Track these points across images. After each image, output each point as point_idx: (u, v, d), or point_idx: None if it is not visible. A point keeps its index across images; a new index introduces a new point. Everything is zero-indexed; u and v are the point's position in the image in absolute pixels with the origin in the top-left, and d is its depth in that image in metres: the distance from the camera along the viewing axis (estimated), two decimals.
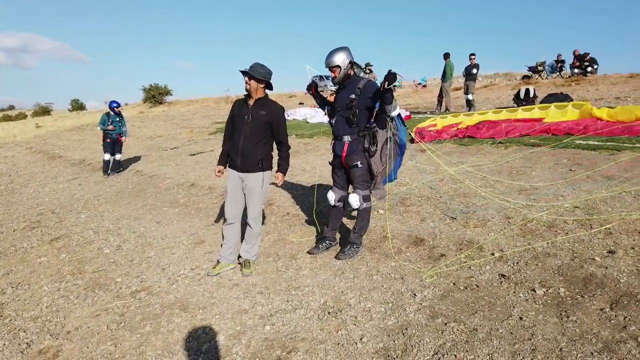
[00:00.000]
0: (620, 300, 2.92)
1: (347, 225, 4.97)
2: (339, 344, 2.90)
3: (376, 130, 4.10)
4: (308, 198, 6.45)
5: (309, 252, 4.48)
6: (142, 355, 3.05)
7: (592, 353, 2.45)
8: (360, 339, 2.91)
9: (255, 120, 3.98)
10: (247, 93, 4.03)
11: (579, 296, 3.03)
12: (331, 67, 4.01)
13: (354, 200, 4.10)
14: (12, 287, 4.50)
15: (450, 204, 5.31)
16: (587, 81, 16.78)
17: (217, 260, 4.33)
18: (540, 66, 21.06)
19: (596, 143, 7.25)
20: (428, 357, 2.64)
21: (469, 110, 13.58)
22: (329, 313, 3.30)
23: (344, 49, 4.02)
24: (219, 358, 2.92)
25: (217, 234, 5.36)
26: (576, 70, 18.54)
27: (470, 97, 14.36)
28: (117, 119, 10.60)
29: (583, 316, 2.81)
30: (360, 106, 3.97)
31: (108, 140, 10.48)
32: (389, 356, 2.70)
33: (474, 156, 7.62)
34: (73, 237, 5.97)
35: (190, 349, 3.06)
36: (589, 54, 18.52)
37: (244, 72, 3.93)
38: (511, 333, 2.75)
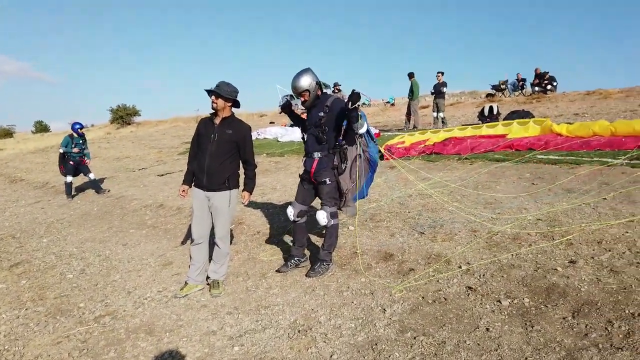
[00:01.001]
0: (582, 308, 3.00)
1: (316, 243, 4.96)
2: None
3: (346, 148, 4.14)
4: (278, 216, 6.42)
5: (277, 271, 4.44)
6: None
7: None
8: (331, 357, 2.89)
9: (221, 139, 3.97)
10: (213, 112, 4.02)
11: (542, 306, 3.11)
12: (301, 92, 4.04)
13: (322, 217, 4.11)
14: None
15: (418, 219, 5.39)
16: (547, 99, 17.47)
17: (185, 282, 4.24)
18: (503, 85, 21.84)
19: (556, 157, 7.52)
20: None
21: (443, 127, 13.85)
22: (299, 331, 3.27)
23: (308, 71, 4.06)
24: None
25: (185, 255, 5.26)
26: (537, 88, 19.29)
27: (442, 114, 14.68)
28: (81, 141, 10.33)
29: (547, 325, 2.87)
30: (328, 124, 4.02)
31: (71, 162, 10.20)
32: None
33: (441, 172, 7.77)
34: (34, 262, 5.74)
35: None
36: (548, 72, 19.32)
37: (209, 91, 3.92)
38: (478, 344, 2.78)
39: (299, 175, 4.41)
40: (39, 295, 4.60)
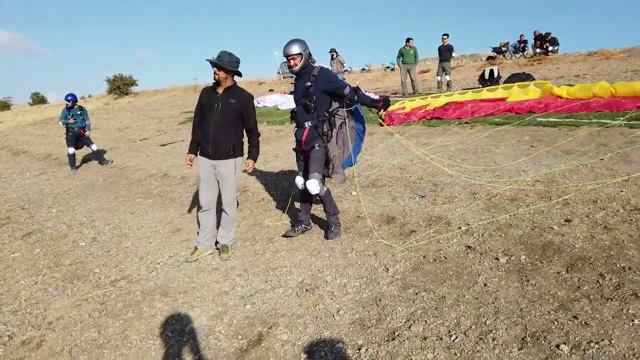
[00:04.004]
0: (576, 263, 3.16)
1: (313, 212, 5.05)
2: (317, 317, 3.05)
3: (334, 116, 4.22)
4: (282, 183, 6.56)
5: (284, 236, 4.60)
6: (126, 339, 3.13)
7: (549, 312, 2.68)
8: (337, 312, 3.07)
9: (225, 109, 4.04)
10: (215, 82, 4.07)
11: (538, 262, 3.26)
12: (292, 55, 4.04)
13: (314, 186, 4.14)
14: None
15: (419, 183, 5.51)
16: (548, 60, 17.31)
17: (195, 247, 4.40)
18: (504, 47, 21.59)
19: (556, 120, 7.58)
20: (401, 324, 2.81)
21: (447, 90, 13.77)
22: (306, 290, 3.44)
23: (302, 40, 4.10)
24: (203, 337, 3.03)
25: (192, 222, 5.42)
26: (538, 50, 19.08)
27: (448, 77, 14.60)
28: (79, 112, 10.34)
29: (542, 280, 3.03)
30: (317, 92, 4.07)
31: (70, 134, 10.27)
32: (364, 325, 2.87)
33: (442, 137, 7.85)
34: (46, 231, 5.91)
35: (174, 330, 3.16)
36: (550, 34, 19.07)
37: (212, 63, 3.96)
38: (476, 298, 2.95)
39: (293, 149, 4.51)
40: (54, 262, 4.78)
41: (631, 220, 3.64)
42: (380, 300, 3.13)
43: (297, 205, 5.08)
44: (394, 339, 2.67)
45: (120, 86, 38.99)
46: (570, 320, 2.56)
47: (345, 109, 4.28)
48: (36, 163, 12.58)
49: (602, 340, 2.36)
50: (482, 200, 4.59)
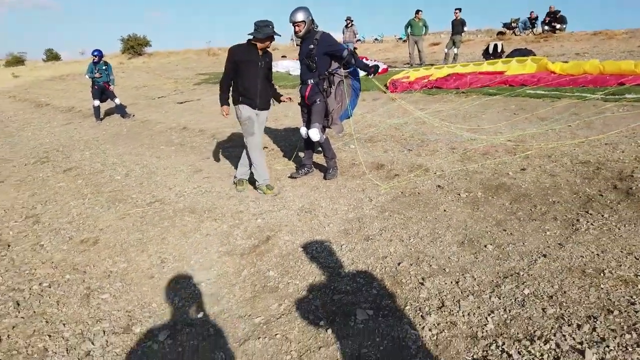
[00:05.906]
0: (518, 198, 4.00)
1: (315, 160, 5.88)
2: (312, 228, 3.94)
3: (333, 75, 4.97)
4: (290, 138, 7.39)
5: (290, 177, 5.45)
6: (164, 239, 4.05)
7: (486, 227, 3.54)
8: (328, 225, 3.96)
9: (265, 66, 4.80)
10: (250, 39, 4.74)
11: (490, 197, 4.11)
12: (296, 22, 4.75)
13: (315, 133, 4.90)
14: (41, 204, 5.39)
15: (410, 140, 6.32)
16: (554, 38, 17.71)
17: (240, 180, 5.15)
18: (514, 23, 21.86)
19: (543, 92, 8.28)
20: (375, 232, 3.70)
21: (454, 62, 14.33)
22: (305, 212, 4.33)
23: (305, 8, 4.78)
24: (224, 238, 3.94)
25: (212, 165, 6.29)
26: (546, 27, 19.42)
27: (455, 50, 15.13)
28: (104, 67, 11.13)
29: (489, 208, 3.89)
30: (318, 54, 4.81)
31: (96, 87, 11.09)
32: (347, 233, 3.76)
33: (438, 103, 8.59)
34: (84, 168, 6.82)
35: (201, 234, 4.07)
36: (559, 11, 19.35)
37: (271, 36, 4.62)
38: (435, 219, 3.82)
39: (298, 104, 5.30)
40: (96, 190, 5.69)
41: (573, 170, 4.45)
42: (361, 219, 4.01)
43: (302, 154, 5.92)
44: (368, 241, 3.56)
45: (134, 46, 39.48)
46: (500, 232, 3.43)
47: (343, 70, 5.05)
48: (61, 114, 13.45)
49: (518, 242, 3.23)
50: (459, 153, 5.40)
